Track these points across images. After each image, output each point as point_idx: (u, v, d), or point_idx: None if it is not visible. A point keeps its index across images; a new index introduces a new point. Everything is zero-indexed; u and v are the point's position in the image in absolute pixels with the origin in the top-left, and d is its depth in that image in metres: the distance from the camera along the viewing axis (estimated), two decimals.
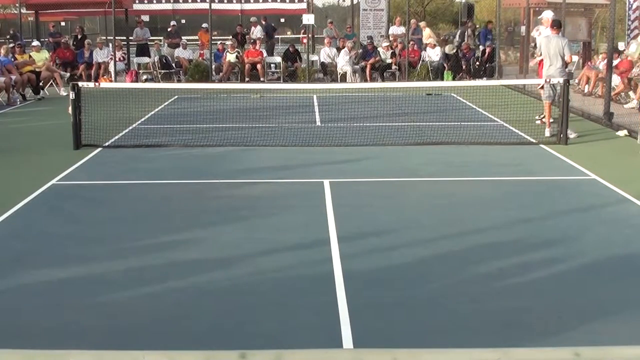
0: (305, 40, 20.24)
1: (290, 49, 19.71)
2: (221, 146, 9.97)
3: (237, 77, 19.10)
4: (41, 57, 16.78)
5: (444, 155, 9.34)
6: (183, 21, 24.01)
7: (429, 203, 7.08)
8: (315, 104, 14.57)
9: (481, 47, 19.63)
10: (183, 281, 4.97)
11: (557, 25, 10.66)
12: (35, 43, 17.56)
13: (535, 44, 12.94)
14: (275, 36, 23.77)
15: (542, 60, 11.51)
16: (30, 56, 16.63)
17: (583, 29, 19.66)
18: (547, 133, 10.59)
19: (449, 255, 5.50)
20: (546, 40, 10.74)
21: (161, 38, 21.61)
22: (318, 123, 12.33)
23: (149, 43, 20.83)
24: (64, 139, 9.94)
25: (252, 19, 21.79)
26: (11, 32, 22.25)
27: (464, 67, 19.37)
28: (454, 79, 18.69)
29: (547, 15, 11.82)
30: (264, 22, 21.68)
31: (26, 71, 15.77)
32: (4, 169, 8.74)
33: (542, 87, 11.03)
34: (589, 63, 16.21)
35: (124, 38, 20.62)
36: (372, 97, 14.67)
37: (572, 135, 10.20)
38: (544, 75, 10.64)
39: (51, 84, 16.60)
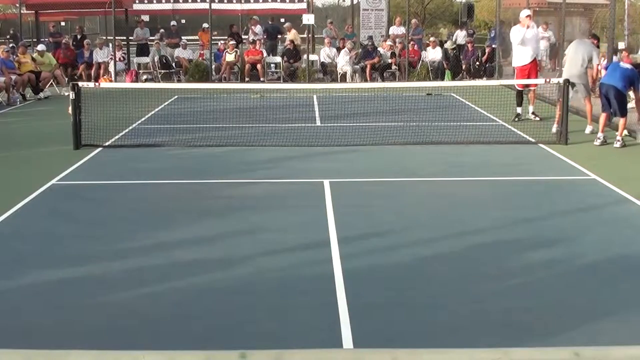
0: (308, 40, 20.16)
1: (290, 46, 19.70)
2: (221, 146, 9.97)
3: (237, 77, 19.10)
4: (44, 62, 16.73)
5: (444, 155, 9.34)
6: (183, 21, 23.98)
7: (429, 203, 7.09)
8: (315, 103, 14.57)
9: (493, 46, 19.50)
10: (183, 281, 4.97)
11: (594, 37, 11.45)
12: (41, 47, 17.49)
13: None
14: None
15: (526, 65, 11.64)
16: (32, 58, 16.58)
17: (583, 28, 19.66)
18: (554, 129, 10.63)
19: (449, 255, 5.50)
20: (576, 43, 11.14)
21: (154, 37, 21.51)
22: (318, 123, 12.33)
23: (149, 43, 20.82)
24: (64, 139, 9.94)
25: (254, 17, 21.78)
26: (11, 32, 22.25)
27: (464, 67, 19.38)
28: (453, 79, 18.69)
29: (523, 14, 11.95)
30: (270, 22, 21.67)
31: (26, 71, 15.75)
32: (4, 169, 8.74)
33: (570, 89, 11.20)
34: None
35: (124, 38, 20.61)
36: (372, 97, 14.67)
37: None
38: (565, 75, 10.72)
39: (51, 83, 16.60)
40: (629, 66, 9.97)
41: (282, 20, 23.26)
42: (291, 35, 20.81)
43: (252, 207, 6.90)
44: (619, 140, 9.78)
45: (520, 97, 12.18)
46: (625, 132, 10.60)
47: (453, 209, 6.80)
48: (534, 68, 11.87)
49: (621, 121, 9.88)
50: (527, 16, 11.79)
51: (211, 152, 9.63)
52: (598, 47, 11.10)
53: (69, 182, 8.01)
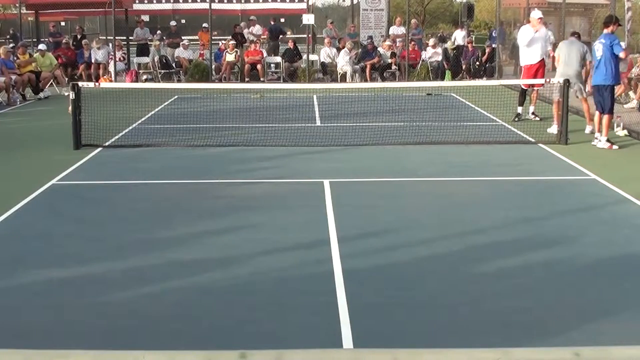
0: (309, 40, 20.14)
1: (291, 45, 19.70)
2: (221, 146, 9.98)
3: (237, 77, 19.09)
4: (45, 63, 16.71)
5: (444, 155, 9.34)
6: (183, 21, 24.00)
7: (429, 203, 7.08)
8: (315, 103, 14.56)
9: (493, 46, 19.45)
10: (183, 281, 4.97)
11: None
12: (42, 47, 17.47)
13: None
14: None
15: (534, 64, 11.60)
16: (31, 55, 16.56)
17: (582, 28, 19.65)
18: (555, 129, 10.60)
19: (449, 255, 5.50)
20: (568, 44, 11.14)
21: (152, 37, 21.49)
22: (318, 123, 12.33)
23: (149, 43, 20.82)
24: (64, 139, 9.94)
25: (252, 18, 21.77)
26: (11, 32, 22.25)
27: (463, 67, 19.38)
28: (454, 79, 18.69)
29: (535, 15, 11.80)
30: (272, 23, 21.67)
31: (26, 71, 15.75)
32: (4, 169, 8.74)
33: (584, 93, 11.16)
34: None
35: (124, 38, 20.61)
36: (372, 97, 14.67)
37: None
38: (559, 75, 10.68)
39: (51, 83, 16.59)
40: (602, 43, 9.72)
41: (282, 20, 23.28)
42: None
43: (252, 207, 6.90)
44: (600, 140, 9.74)
45: (523, 96, 12.16)
46: (626, 132, 10.61)
47: (453, 209, 6.80)
48: (542, 67, 11.83)
49: (605, 118, 9.71)
50: (539, 19, 11.59)
51: (211, 152, 9.63)
52: (619, 25, 10.39)
53: (69, 182, 8.01)
